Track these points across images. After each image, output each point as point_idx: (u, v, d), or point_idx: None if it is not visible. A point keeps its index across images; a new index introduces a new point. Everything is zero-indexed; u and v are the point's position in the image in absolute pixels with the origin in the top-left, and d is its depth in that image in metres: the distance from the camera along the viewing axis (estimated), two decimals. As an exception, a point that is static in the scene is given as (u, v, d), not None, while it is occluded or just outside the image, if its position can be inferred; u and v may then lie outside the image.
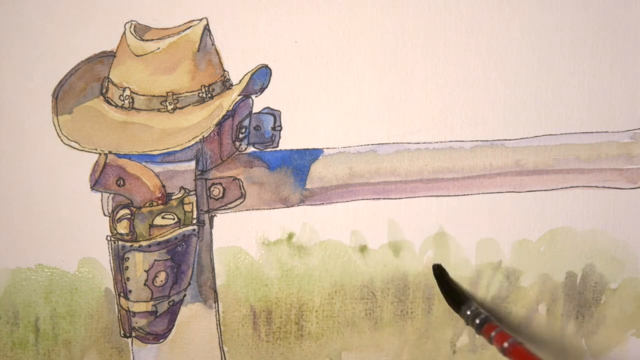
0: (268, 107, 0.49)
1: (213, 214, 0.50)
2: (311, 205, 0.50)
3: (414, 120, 0.50)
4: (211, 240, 0.50)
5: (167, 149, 0.48)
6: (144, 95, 0.47)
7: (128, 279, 0.49)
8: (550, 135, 0.51)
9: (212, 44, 0.48)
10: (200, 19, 0.47)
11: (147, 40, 0.47)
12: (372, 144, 0.50)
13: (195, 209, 0.49)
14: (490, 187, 0.51)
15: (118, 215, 0.49)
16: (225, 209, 0.50)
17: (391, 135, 0.50)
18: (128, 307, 0.50)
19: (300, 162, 0.50)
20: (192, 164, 0.49)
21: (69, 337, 0.51)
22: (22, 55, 0.47)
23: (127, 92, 0.47)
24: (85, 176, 0.48)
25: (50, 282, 0.50)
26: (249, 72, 0.48)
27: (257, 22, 0.48)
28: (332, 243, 0.51)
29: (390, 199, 0.51)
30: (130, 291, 0.49)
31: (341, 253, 0.51)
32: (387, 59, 0.49)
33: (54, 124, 0.48)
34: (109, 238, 0.49)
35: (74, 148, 0.48)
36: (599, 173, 0.52)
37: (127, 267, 0.49)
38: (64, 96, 0.47)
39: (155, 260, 0.49)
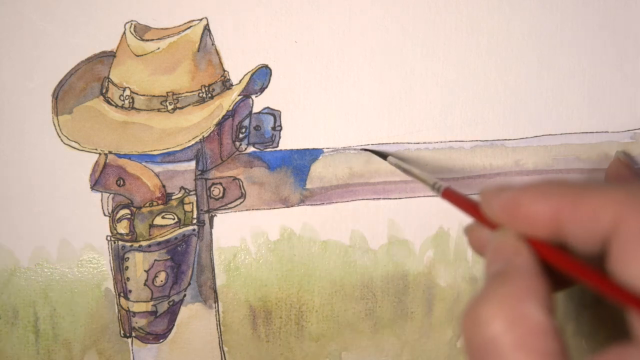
0: (268, 107, 0.49)
1: (213, 214, 0.50)
2: (311, 205, 0.50)
3: (414, 120, 0.50)
4: (211, 240, 0.50)
5: (167, 149, 0.48)
6: (144, 95, 0.47)
7: (128, 279, 0.49)
8: (550, 135, 0.51)
9: (212, 44, 0.48)
10: (200, 19, 0.47)
11: (147, 40, 0.47)
12: (372, 144, 0.50)
13: (195, 209, 0.49)
14: (490, 187, 0.51)
15: (118, 215, 0.49)
16: (225, 209, 0.50)
17: (391, 135, 0.50)
18: (128, 307, 0.50)
19: (300, 162, 0.50)
20: (192, 164, 0.49)
21: (69, 337, 0.51)
22: (22, 55, 0.47)
23: (127, 92, 0.47)
24: (85, 176, 0.48)
25: (50, 282, 0.50)
26: (249, 72, 0.48)
27: (257, 22, 0.48)
28: (332, 243, 0.51)
29: (390, 199, 0.51)
30: (130, 291, 0.49)
31: (341, 253, 0.51)
32: (387, 59, 0.49)
33: (54, 124, 0.48)
34: (109, 238, 0.49)
35: (74, 148, 0.48)
36: (599, 173, 0.51)
37: (127, 267, 0.49)
38: (64, 96, 0.47)
39: (155, 260, 0.49)
